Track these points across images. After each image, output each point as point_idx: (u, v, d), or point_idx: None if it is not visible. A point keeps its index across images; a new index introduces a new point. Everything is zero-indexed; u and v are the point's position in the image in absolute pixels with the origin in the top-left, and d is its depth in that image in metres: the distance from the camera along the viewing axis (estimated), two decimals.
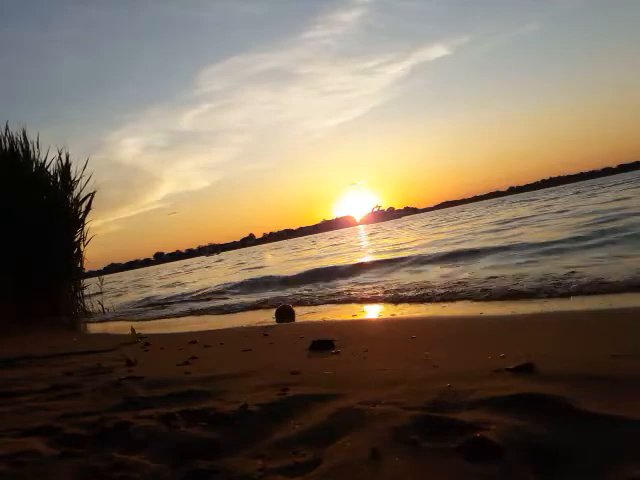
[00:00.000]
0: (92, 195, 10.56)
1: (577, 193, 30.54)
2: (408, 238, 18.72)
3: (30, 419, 1.79)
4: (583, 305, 3.88)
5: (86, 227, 10.60)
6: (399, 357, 2.53)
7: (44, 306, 9.44)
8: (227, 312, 7.32)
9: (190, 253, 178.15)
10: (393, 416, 1.39)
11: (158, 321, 7.65)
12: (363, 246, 20.86)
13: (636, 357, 1.89)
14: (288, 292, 8.34)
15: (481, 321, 3.83)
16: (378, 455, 1.17)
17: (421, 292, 5.77)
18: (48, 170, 10.33)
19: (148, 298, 11.57)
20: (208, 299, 9.35)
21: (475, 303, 4.81)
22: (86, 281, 10.78)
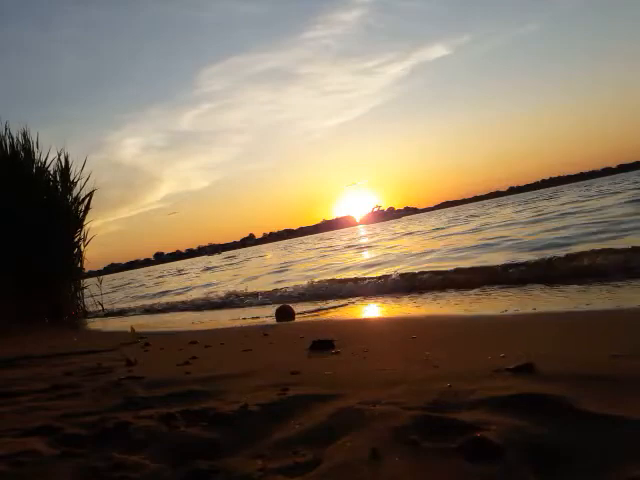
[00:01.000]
0: (91, 194, 10.56)
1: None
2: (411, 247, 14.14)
3: (30, 419, 1.79)
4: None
5: (86, 227, 10.61)
6: (399, 357, 2.53)
7: (44, 306, 9.44)
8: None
9: (190, 253, 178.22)
10: (393, 416, 1.39)
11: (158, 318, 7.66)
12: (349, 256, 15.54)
13: (636, 357, 1.89)
14: None
15: (481, 321, 3.83)
16: (378, 455, 1.17)
17: None
18: (48, 170, 10.34)
19: None
20: None
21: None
22: (86, 281, 10.78)
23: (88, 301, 10.36)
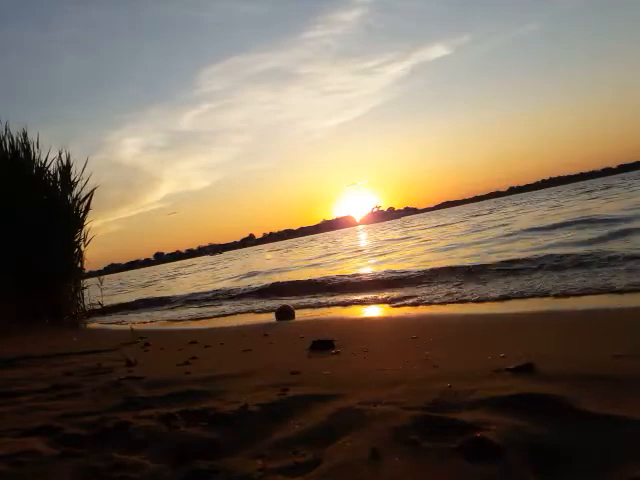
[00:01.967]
0: (91, 195, 10.56)
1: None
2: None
3: (30, 419, 1.79)
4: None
5: (86, 227, 10.60)
6: (399, 357, 2.53)
7: (44, 306, 9.43)
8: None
9: (190, 253, 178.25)
10: (393, 416, 1.39)
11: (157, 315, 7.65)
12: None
13: (638, 357, 1.89)
14: None
15: (481, 321, 3.83)
16: (378, 455, 1.17)
17: None
18: (48, 170, 10.33)
19: None
20: None
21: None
22: (86, 281, 10.77)
23: (88, 301, 10.37)
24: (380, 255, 13.21)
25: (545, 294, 4.48)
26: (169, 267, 53.55)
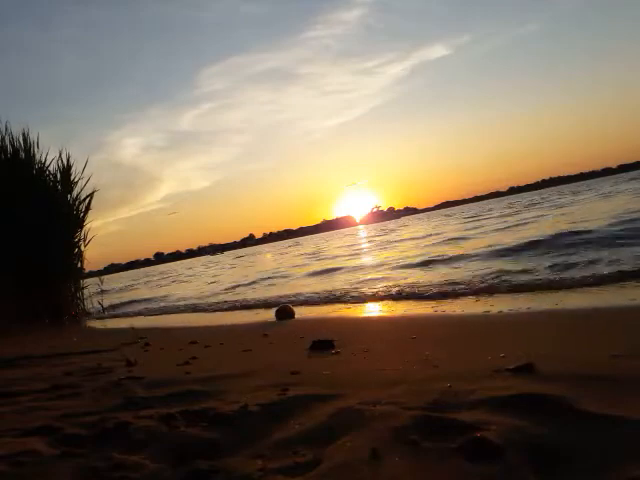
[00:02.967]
0: (92, 195, 10.56)
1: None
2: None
3: (30, 419, 1.79)
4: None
5: (86, 227, 10.60)
6: (399, 357, 2.53)
7: (44, 306, 9.43)
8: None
9: (190, 253, 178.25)
10: (393, 416, 1.39)
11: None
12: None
13: (636, 357, 1.89)
14: None
15: (481, 321, 3.83)
16: (378, 455, 1.17)
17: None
18: (48, 170, 10.34)
19: None
20: None
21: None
22: (86, 281, 10.77)
23: (88, 301, 10.37)
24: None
25: None
26: (181, 265, 52.33)
